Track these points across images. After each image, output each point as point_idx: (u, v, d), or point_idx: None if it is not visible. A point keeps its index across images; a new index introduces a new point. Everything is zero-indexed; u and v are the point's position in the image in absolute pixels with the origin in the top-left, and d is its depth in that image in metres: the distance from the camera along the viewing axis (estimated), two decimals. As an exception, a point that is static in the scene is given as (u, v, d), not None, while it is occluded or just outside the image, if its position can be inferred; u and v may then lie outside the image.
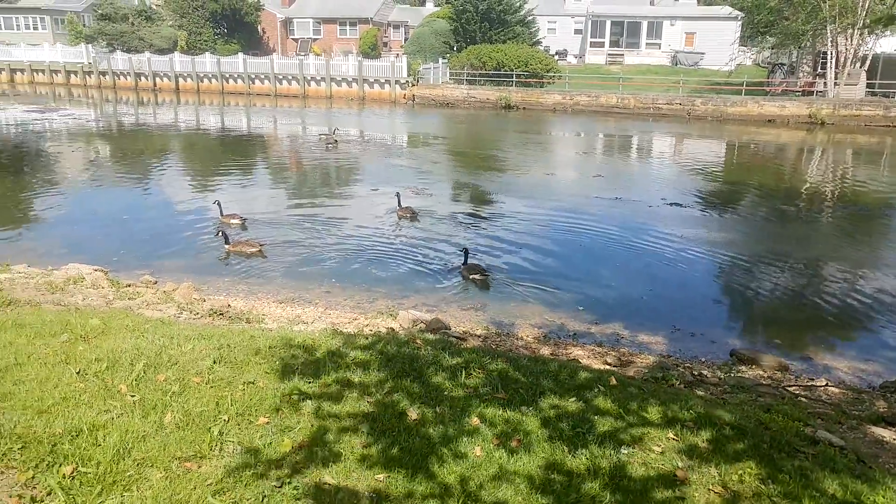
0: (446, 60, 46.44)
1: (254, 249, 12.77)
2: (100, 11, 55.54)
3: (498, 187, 20.00)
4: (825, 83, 37.21)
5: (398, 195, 15.85)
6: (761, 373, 7.99)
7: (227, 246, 12.78)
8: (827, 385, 7.50)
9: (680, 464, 4.32)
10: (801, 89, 39.10)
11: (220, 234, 13.05)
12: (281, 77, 45.84)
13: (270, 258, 12.64)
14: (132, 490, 3.72)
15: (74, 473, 3.80)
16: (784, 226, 16.87)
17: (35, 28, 59.33)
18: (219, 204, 14.85)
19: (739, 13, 44.55)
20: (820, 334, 10.27)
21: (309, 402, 4.89)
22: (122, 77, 49.03)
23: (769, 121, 36.33)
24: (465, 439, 4.50)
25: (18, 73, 50.63)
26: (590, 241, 14.42)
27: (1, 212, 16.26)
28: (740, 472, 4.24)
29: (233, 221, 14.51)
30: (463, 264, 11.79)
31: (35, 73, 50.37)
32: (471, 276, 11.42)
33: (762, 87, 39.80)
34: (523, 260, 13.00)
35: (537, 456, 4.35)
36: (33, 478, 3.75)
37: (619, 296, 11.31)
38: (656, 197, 18.60)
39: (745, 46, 45.48)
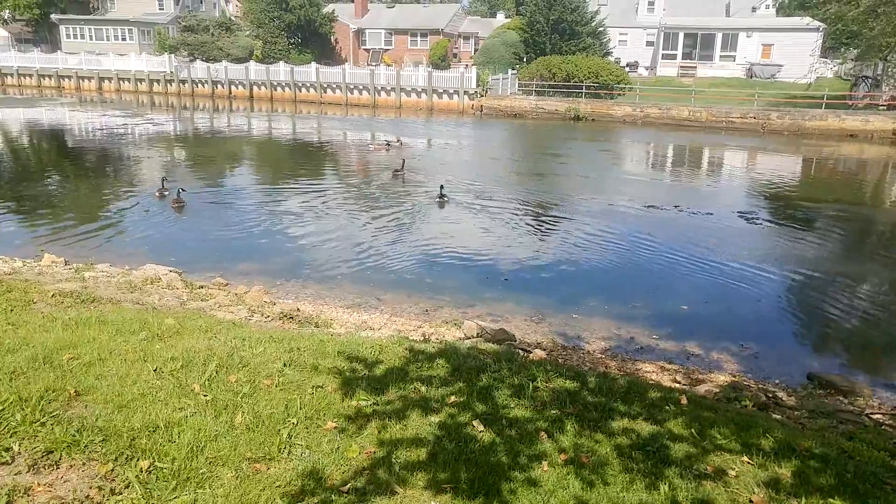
0: (515, 71, 46.35)
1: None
2: (184, 23, 57.85)
3: (560, 198, 19.77)
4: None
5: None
6: (841, 398, 7.63)
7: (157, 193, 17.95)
8: (914, 414, 7.09)
9: (760, 495, 4.14)
10: (886, 103, 37.30)
11: (178, 192, 17.01)
12: (352, 87, 46.60)
13: (333, 260, 12.84)
14: (204, 488, 3.80)
15: (151, 468, 3.90)
16: (864, 245, 16.14)
17: (123, 39, 61.92)
18: (163, 179, 18.65)
19: (821, 24, 42.93)
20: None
21: (376, 409, 4.90)
22: (199, 85, 50.78)
23: (851, 135, 34.86)
24: (535, 467, 4.32)
25: (106, 82, 53.04)
26: (656, 254, 14.08)
27: (85, 212, 17.04)
28: None
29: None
30: (439, 195, 17.94)
31: (121, 82, 52.64)
32: (437, 199, 17.90)
33: (844, 101, 38.24)
34: (588, 272, 12.82)
35: (612, 487, 4.16)
36: (112, 470, 3.87)
37: (687, 311, 11.01)
38: (725, 211, 18.06)
39: (827, 58, 43.75)
